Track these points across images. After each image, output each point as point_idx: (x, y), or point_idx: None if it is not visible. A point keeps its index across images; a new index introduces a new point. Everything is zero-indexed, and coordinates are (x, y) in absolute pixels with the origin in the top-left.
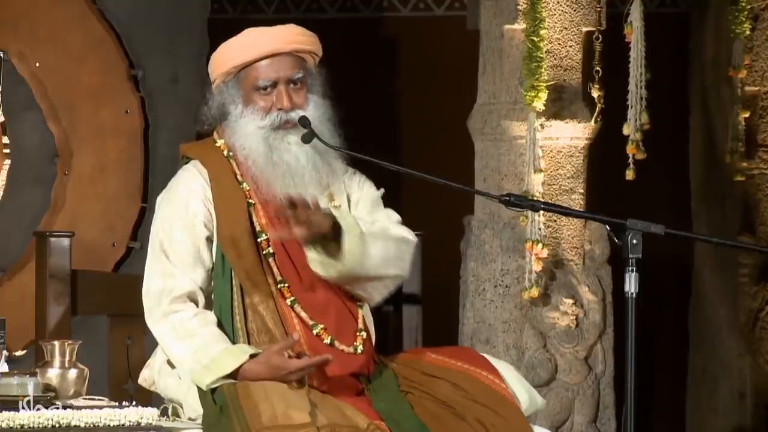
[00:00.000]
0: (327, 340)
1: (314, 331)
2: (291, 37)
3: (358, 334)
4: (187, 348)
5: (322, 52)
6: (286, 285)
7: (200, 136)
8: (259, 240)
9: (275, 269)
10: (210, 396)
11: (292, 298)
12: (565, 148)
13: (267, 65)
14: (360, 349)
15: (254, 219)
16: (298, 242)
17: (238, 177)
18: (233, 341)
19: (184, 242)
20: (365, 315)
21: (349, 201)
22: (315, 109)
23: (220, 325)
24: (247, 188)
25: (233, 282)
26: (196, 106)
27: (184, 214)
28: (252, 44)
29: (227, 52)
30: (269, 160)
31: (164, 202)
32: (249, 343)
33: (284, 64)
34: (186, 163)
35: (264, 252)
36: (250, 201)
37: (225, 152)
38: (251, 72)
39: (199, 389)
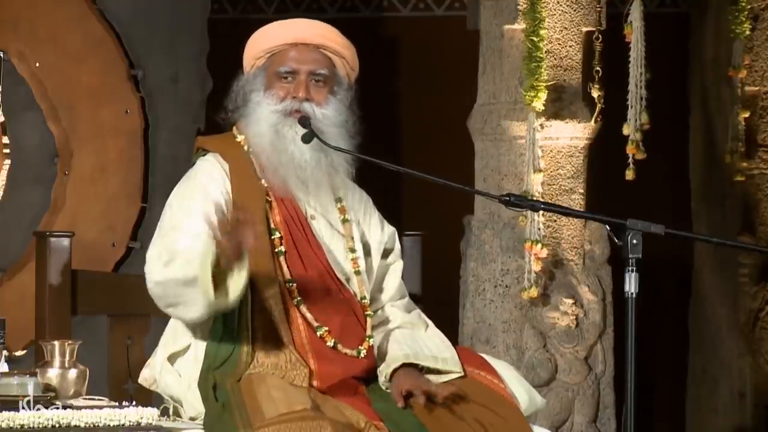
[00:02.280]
0: (330, 343)
1: (318, 333)
2: (319, 31)
3: (366, 339)
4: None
5: (357, 66)
6: (294, 285)
7: (200, 134)
8: (272, 237)
9: (285, 268)
10: (212, 393)
11: (298, 299)
12: (565, 148)
13: (292, 53)
14: (363, 353)
15: (270, 216)
16: (311, 244)
17: (258, 173)
18: (238, 335)
19: (198, 227)
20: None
21: (362, 228)
22: (333, 112)
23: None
24: (266, 185)
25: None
26: (196, 106)
27: (202, 201)
28: (280, 31)
29: (257, 37)
30: (275, 148)
31: (182, 187)
32: (253, 339)
33: (309, 56)
34: (203, 155)
35: (276, 250)
36: (267, 198)
37: (245, 147)
38: (276, 58)
39: (201, 387)
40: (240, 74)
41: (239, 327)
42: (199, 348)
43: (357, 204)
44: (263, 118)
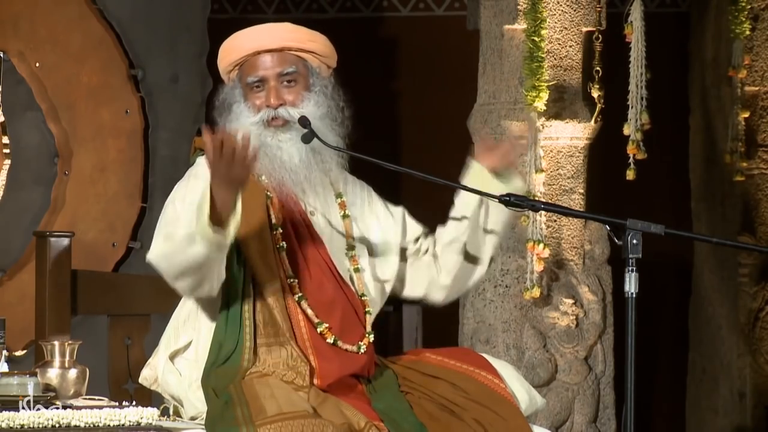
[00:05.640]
0: (330, 340)
1: (318, 330)
2: (278, 34)
3: (366, 335)
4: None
5: (331, 53)
6: (296, 281)
7: (200, 134)
8: (273, 233)
9: (286, 263)
10: (213, 392)
11: (300, 294)
12: (565, 148)
13: (257, 62)
14: (363, 349)
15: (271, 212)
16: (312, 240)
17: (257, 171)
18: (240, 330)
19: None
20: (373, 320)
21: (366, 222)
22: (314, 107)
23: (227, 304)
24: (266, 181)
25: (245, 272)
26: (197, 106)
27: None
28: (241, 42)
29: (223, 51)
30: (265, 154)
31: (183, 184)
32: (255, 335)
33: (274, 61)
34: (201, 155)
35: (277, 246)
36: (268, 194)
37: None
38: (245, 70)
39: (203, 384)
40: (220, 86)
41: (242, 320)
42: (200, 346)
43: (359, 198)
44: (244, 131)
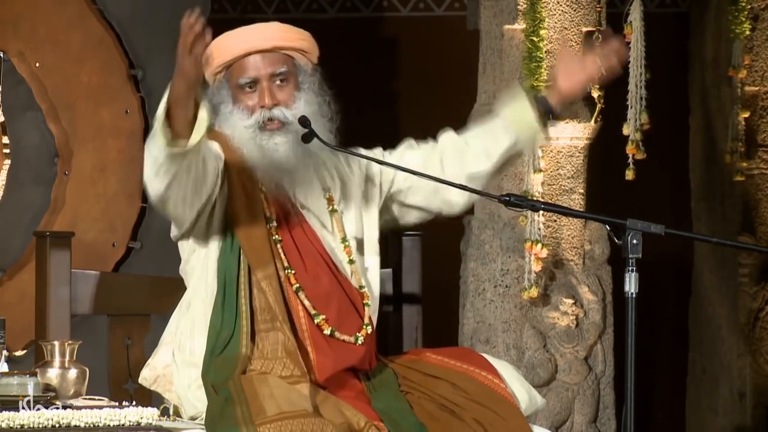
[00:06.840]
0: (327, 331)
1: (315, 321)
2: (269, 34)
3: (363, 327)
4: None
5: (316, 50)
6: (293, 272)
7: None
8: (269, 226)
9: (282, 255)
10: (213, 390)
11: (297, 285)
12: (565, 148)
13: (248, 62)
14: (361, 340)
15: (264, 206)
16: (305, 232)
17: (250, 165)
18: (237, 316)
19: None
20: (372, 312)
21: (364, 199)
22: (305, 105)
23: (223, 291)
24: (260, 176)
25: (241, 259)
26: None
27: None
28: (232, 43)
29: (211, 52)
30: (261, 157)
31: None
32: (252, 321)
33: (265, 61)
34: None
35: (273, 238)
36: (261, 188)
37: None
38: (234, 71)
39: (204, 381)
40: (204, 87)
41: (239, 306)
42: (196, 343)
43: (348, 187)
44: (240, 133)
